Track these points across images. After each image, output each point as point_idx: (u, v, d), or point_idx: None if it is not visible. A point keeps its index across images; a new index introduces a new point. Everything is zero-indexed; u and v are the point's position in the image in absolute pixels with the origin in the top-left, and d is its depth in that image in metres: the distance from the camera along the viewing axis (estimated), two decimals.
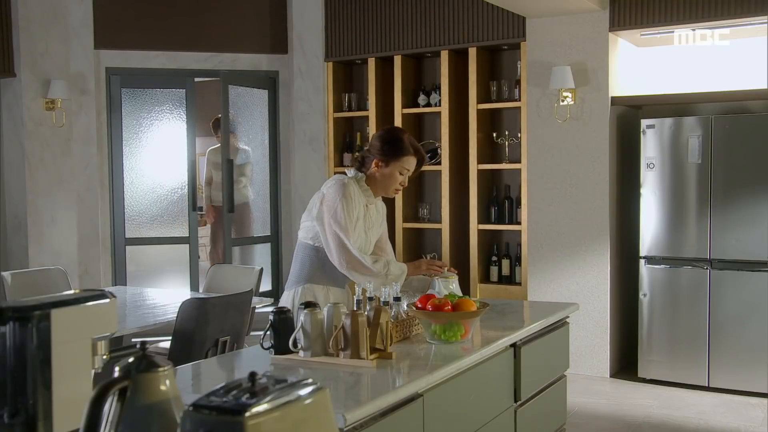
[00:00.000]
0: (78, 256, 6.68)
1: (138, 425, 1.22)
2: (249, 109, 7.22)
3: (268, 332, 2.56)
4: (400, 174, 3.15)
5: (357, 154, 3.34)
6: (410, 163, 3.14)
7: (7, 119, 6.52)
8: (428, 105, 6.47)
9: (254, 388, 1.08)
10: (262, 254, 7.25)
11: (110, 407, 1.21)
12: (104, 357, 1.53)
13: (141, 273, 7.06)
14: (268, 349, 2.55)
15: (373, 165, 3.13)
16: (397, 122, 6.46)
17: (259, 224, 7.33)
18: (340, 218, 3.01)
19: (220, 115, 7.06)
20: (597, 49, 5.61)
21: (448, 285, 3.10)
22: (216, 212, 7.76)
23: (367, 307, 2.59)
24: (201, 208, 7.74)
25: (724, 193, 5.23)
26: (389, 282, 2.99)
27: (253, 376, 1.10)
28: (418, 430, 2.30)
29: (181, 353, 3.73)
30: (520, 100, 6.03)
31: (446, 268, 3.18)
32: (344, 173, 3.21)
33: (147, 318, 4.12)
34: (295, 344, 2.49)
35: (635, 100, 5.76)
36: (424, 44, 6.35)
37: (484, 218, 6.25)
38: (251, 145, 7.29)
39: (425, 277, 3.22)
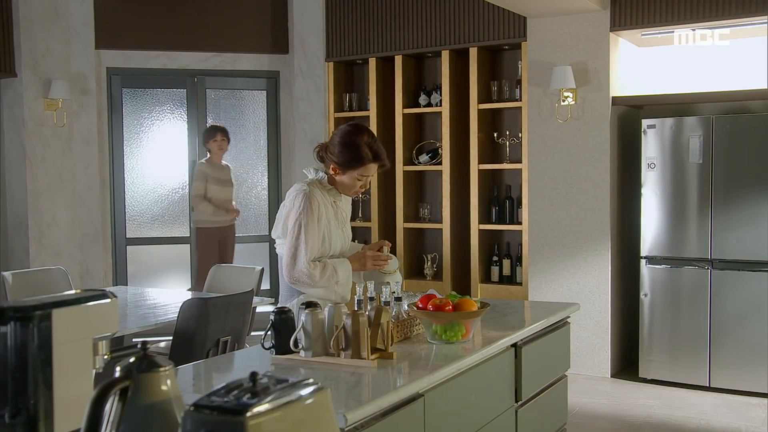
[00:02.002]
0: (79, 256, 6.68)
1: (139, 425, 1.22)
2: (239, 111, 7.22)
3: (269, 332, 2.56)
4: (358, 180, 2.97)
5: (320, 145, 3.15)
6: (369, 169, 2.97)
7: (8, 119, 6.52)
8: (429, 105, 6.47)
9: (255, 388, 1.08)
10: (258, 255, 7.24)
11: (111, 407, 1.21)
12: (105, 357, 1.53)
13: (142, 273, 7.06)
14: (269, 349, 2.55)
15: (331, 170, 2.98)
16: (398, 122, 6.46)
17: (261, 223, 7.32)
18: (301, 235, 2.90)
19: (215, 123, 6.80)
20: (598, 49, 5.60)
21: (394, 280, 3.02)
22: (206, 235, 6.56)
23: (368, 307, 2.59)
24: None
25: (725, 193, 5.22)
26: (342, 286, 2.97)
27: (254, 376, 1.10)
28: (419, 430, 2.30)
29: (181, 353, 3.73)
30: (520, 100, 6.02)
31: (388, 260, 3.07)
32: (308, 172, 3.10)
33: (148, 318, 4.12)
34: (296, 344, 2.49)
35: (636, 100, 5.76)
36: (425, 44, 6.35)
37: (484, 218, 6.25)
38: (244, 147, 7.27)
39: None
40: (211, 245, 6.51)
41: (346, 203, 3.15)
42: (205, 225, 6.49)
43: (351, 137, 2.96)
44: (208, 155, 6.55)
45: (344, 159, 2.94)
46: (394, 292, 2.80)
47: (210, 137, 6.51)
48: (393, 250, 6.51)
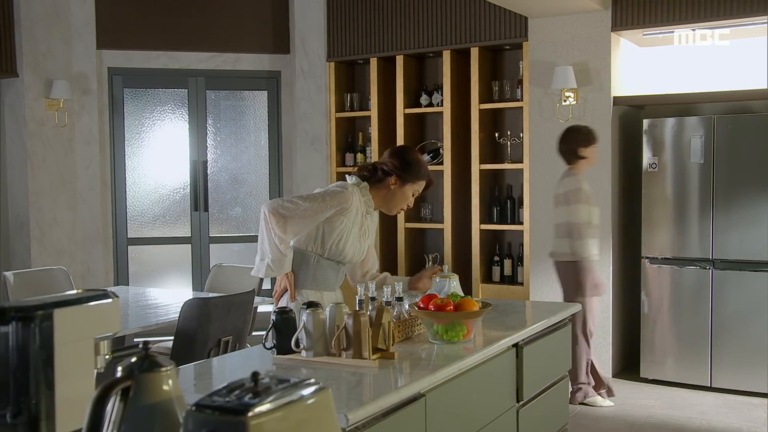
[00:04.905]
0: (80, 256, 6.69)
1: (141, 425, 1.22)
2: (240, 111, 7.22)
3: (270, 332, 2.56)
4: (412, 195, 3.22)
5: (366, 162, 3.34)
6: (422, 186, 3.23)
7: (9, 119, 6.53)
8: (430, 105, 6.47)
9: (257, 388, 1.08)
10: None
11: (113, 407, 1.21)
12: (107, 357, 1.53)
13: (143, 273, 7.07)
14: (271, 349, 2.55)
15: (391, 181, 3.16)
16: (399, 122, 6.46)
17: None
18: (310, 200, 3.03)
19: (580, 124, 5.29)
20: (599, 48, 5.60)
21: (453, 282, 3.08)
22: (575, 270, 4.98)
23: (369, 307, 2.59)
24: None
25: (726, 193, 5.22)
26: (275, 262, 3.01)
27: (255, 375, 1.10)
28: (421, 430, 2.30)
29: (183, 353, 3.73)
30: (522, 100, 6.02)
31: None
32: (344, 176, 3.25)
33: (149, 318, 4.12)
34: (297, 344, 2.49)
35: (637, 100, 5.76)
36: (426, 44, 6.35)
37: (486, 218, 6.25)
38: (244, 147, 7.27)
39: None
40: (587, 279, 4.96)
41: (372, 221, 3.27)
42: (570, 258, 4.95)
43: (414, 155, 3.26)
44: (575, 165, 5.04)
45: (408, 170, 3.16)
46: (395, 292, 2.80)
47: (589, 141, 5.03)
48: (394, 251, 6.53)
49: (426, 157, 6.48)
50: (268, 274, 3.08)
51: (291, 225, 3.00)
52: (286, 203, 3.02)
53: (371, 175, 3.19)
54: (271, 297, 3.31)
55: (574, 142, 5.04)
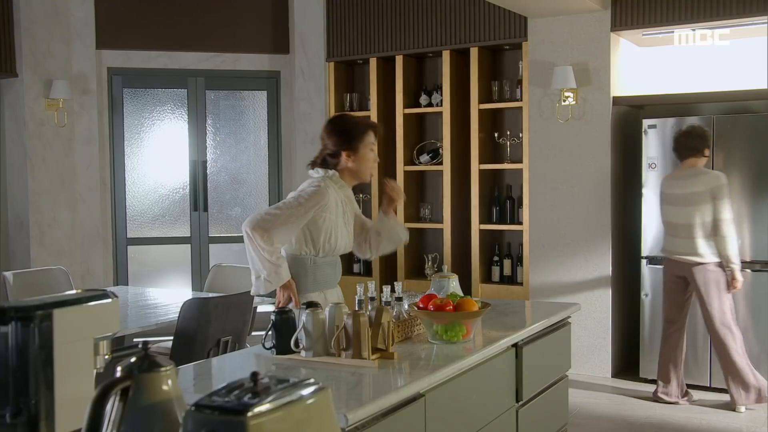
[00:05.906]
0: (80, 256, 6.69)
1: (140, 425, 1.22)
2: (239, 111, 7.22)
3: (270, 332, 2.57)
4: (371, 151, 3.16)
5: (315, 158, 3.27)
6: (372, 136, 3.16)
7: (9, 119, 6.53)
8: (430, 105, 6.47)
9: (256, 388, 1.08)
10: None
11: (112, 407, 1.21)
12: (106, 357, 1.54)
13: (143, 273, 7.07)
14: (270, 349, 2.55)
15: (344, 157, 3.11)
16: (399, 122, 6.46)
17: None
18: (286, 207, 3.00)
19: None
20: (599, 49, 5.60)
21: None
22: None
23: (369, 307, 2.60)
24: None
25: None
26: (270, 275, 2.99)
27: (255, 375, 1.10)
28: (420, 430, 2.30)
29: (182, 353, 3.73)
30: (521, 100, 6.02)
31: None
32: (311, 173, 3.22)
33: (149, 318, 4.13)
34: (296, 344, 2.49)
35: (637, 100, 5.76)
36: (426, 44, 6.35)
37: (485, 218, 6.25)
38: (244, 147, 7.27)
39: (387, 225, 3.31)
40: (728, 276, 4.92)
41: (350, 200, 3.23)
42: (717, 258, 4.88)
43: (343, 120, 3.24)
44: (698, 161, 5.00)
45: (348, 137, 3.11)
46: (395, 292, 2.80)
47: (710, 143, 5.11)
48: (394, 251, 6.52)
49: (426, 157, 6.49)
50: (268, 288, 3.04)
51: (276, 235, 2.98)
52: (265, 216, 2.99)
53: (326, 164, 3.15)
54: (271, 297, 3.31)
55: (705, 141, 5.00)
